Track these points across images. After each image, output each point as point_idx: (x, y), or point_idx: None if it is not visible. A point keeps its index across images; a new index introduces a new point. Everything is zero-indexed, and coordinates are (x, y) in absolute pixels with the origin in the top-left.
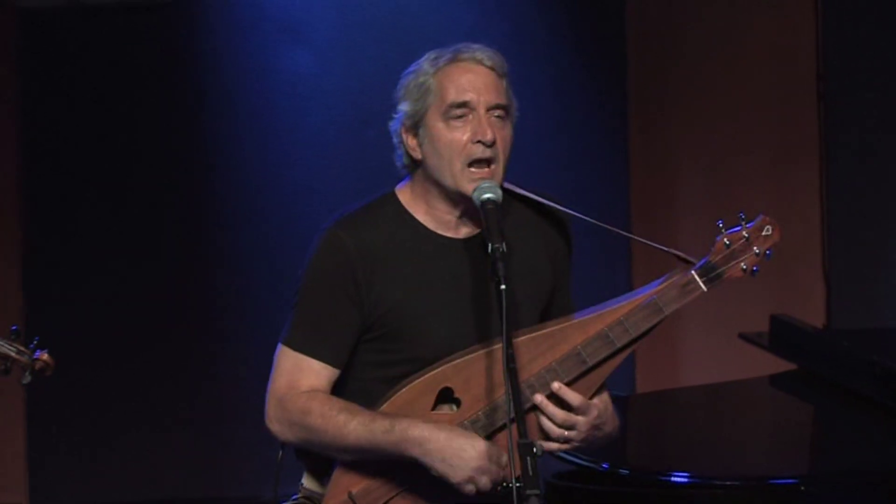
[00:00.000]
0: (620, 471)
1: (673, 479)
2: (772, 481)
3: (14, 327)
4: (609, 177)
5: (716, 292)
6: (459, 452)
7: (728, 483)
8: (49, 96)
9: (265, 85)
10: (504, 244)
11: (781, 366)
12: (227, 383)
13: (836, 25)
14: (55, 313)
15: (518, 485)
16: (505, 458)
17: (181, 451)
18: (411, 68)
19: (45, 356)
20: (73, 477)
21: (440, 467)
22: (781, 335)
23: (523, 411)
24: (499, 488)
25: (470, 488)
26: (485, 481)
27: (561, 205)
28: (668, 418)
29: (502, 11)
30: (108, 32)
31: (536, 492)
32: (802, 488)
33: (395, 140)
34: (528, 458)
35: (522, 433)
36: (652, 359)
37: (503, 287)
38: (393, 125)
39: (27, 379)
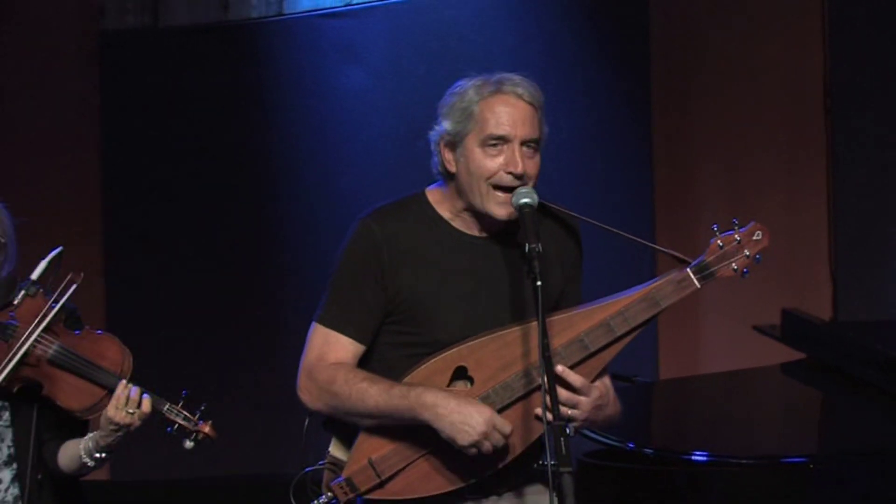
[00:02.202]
0: (645, 450)
1: (693, 457)
2: (783, 460)
3: (184, 392)
4: (634, 179)
5: (732, 289)
6: (467, 419)
7: (743, 461)
8: (128, 109)
9: (322, 100)
10: (539, 244)
11: (792, 355)
12: (284, 369)
13: (841, 46)
14: (132, 304)
15: (552, 463)
16: (509, 428)
17: (244, 430)
18: (457, 88)
19: (208, 428)
20: (147, 453)
21: (448, 431)
22: (792, 327)
23: (556, 395)
24: (535, 465)
25: (473, 451)
26: (487, 446)
27: (582, 215)
28: (689, 402)
29: (538, 32)
30: (181, 52)
31: (569, 469)
32: (811, 466)
33: (433, 148)
34: (562, 439)
35: (556, 416)
36: (674, 348)
37: (539, 284)
38: (433, 135)
39: (189, 445)
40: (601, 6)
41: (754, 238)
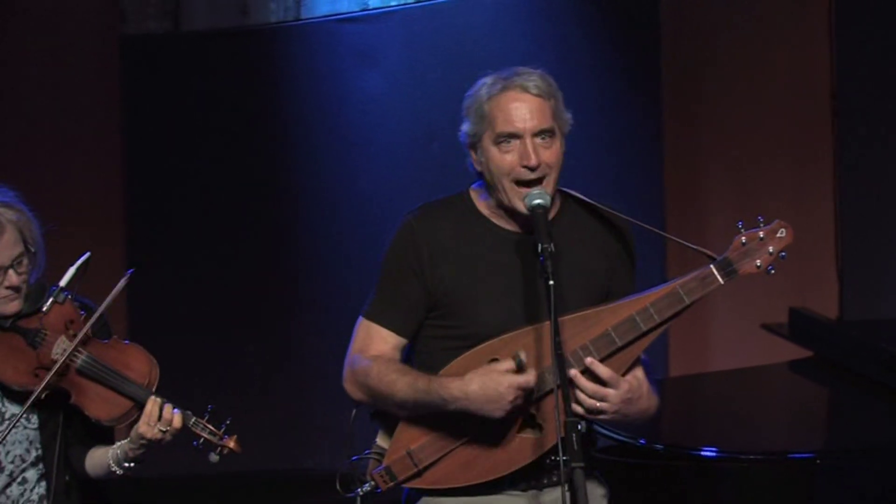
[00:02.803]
0: (656, 446)
1: (703, 453)
2: (791, 455)
3: (210, 407)
4: (645, 180)
5: (741, 288)
6: (493, 396)
7: (752, 457)
8: (150, 112)
9: (339, 103)
10: (552, 244)
11: (799, 353)
12: (306, 364)
13: (847, 50)
14: (154, 300)
15: (564, 458)
16: (533, 378)
17: (264, 426)
18: (473, 90)
19: (233, 443)
20: (177, 449)
21: (482, 413)
22: (799, 326)
23: (569, 392)
24: (547, 461)
25: (511, 415)
26: (519, 405)
27: (620, 212)
28: (699, 399)
29: (552, 37)
30: (202, 56)
31: (581, 464)
32: (818, 462)
33: (464, 149)
34: (574, 434)
35: (569, 412)
36: (684, 346)
37: (551, 283)
38: (460, 136)
39: (214, 459)
40: (613, 12)
41: (778, 235)
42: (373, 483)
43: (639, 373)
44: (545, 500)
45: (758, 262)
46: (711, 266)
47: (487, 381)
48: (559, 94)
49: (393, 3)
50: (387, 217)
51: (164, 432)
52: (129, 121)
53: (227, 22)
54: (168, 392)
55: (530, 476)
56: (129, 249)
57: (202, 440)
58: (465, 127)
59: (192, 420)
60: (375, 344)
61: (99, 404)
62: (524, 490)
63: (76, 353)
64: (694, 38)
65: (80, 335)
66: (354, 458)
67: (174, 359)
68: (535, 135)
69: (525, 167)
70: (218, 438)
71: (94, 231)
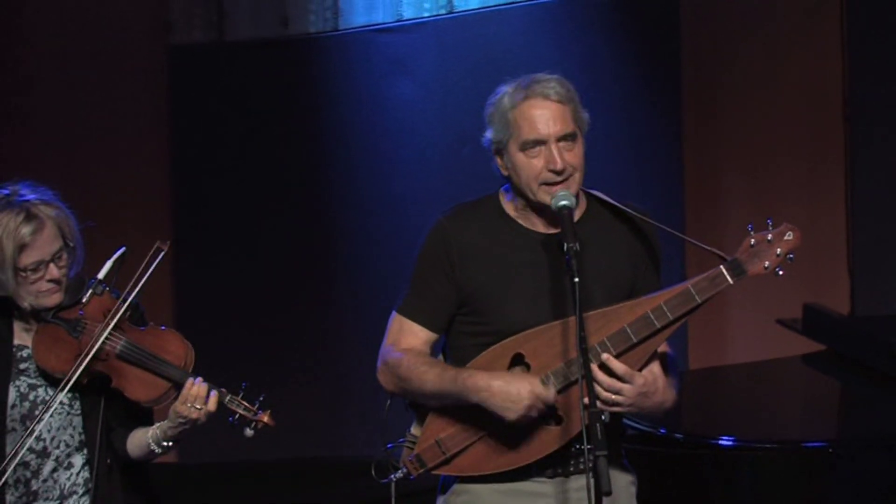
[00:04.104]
0: (676, 435)
1: (720, 442)
2: (804, 445)
3: (245, 384)
4: (666, 183)
5: (757, 285)
6: (512, 397)
7: (767, 446)
8: (195, 117)
9: (374, 110)
10: (577, 244)
11: (813, 347)
12: (344, 356)
13: (859, 57)
14: (199, 297)
15: (588, 447)
16: (552, 396)
17: (305, 414)
18: (494, 97)
19: (267, 417)
20: (216, 438)
21: (498, 410)
22: (813, 321)
23: (594, 384)
24: (573, 449)
25: (523, 422)
26: (534, 414)
27: (644, 214)
28: (716, 391)
29: (577, 46)
30: (245, 65)
31: (604, 453)
32: (830, 451)
33: (488, 153)
34: (598, 424)
35: (593, 402)
36: (702, 340)
37: (576, 280)
38: (484, 142)
39: (249, 434)
40: (636, 22)
41: (785, 238)
42: (405, 470)
43: (655, 368)
44: (571, 486)
45: (766, 264)
46: (721, 267)
47: (512, 380)
48: (577, 95)
49: (426, 15)
50: (419, 217)
51: (199, 410)
52: (175, 126)
53: (269, 33)
54: (210, 379)
55: (556, 463)
56: (175, 249)
57: (237, 416)
58: (490, 134)
59: (228, 397)
60: (407, 338)
61: (138, 386)
62: (551, 477)
63: (115, 339)
64: (712, 47)
65: (115, 317)
66: (389, 445)
67: (217, 348)
68: (559, 140)
69: (552, 171)
70: (252, 413)
71: (143, 230)
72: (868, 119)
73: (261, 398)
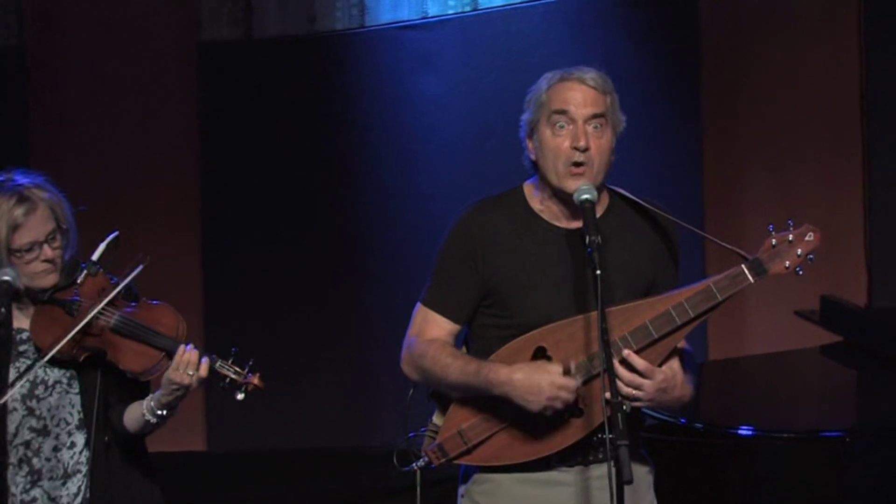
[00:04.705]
0: (696, 425)
1: (739, 432)
2: (822, 434)
3: (234, 349)
4: (686, 180)
5: (775, 278)
6: (534, 389)
7: (785, 435)
8: (225, 113)
9: (400, 106)
10: (600, 237)
11: (830, 338)
12: (371, 348)
13: (876, 55)
14: (228, 291)
15: (610, 436)
16: (573, 385)
17: (332, 404)
18: (534, 85)
19: (257, 380)
20: (244, 426)
21: (521, 402)
22: (830, 312)
23: (615, 376)
24: (594, 438)
25: (547, 413)
26: (558, 405)
27: (666, 212)
28: (736, 381)
29: (598, 43)
30: (272, 61)
31: (626, 442)
32: (847, 440)
33: (522, 141)
34: (619, 415)
35: (614, 393)
36: (722, 332)
37: (598, 273)
38: (521, 132)
39: (240, 397)
40: (656, 20)
41: (806, 238)
42: (427, 459)
43: (674, 364)
44: (591, 475)
45: (787, 264)
46: (743, 266)
47: (533, 373)
48: (615, 94)
49: (450, 12)
50: (444, 211)
51: (191, 376)
52: (205, 121)
53: (296, 29)
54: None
55: (576, 453)
56: (205, 240)
57: (228, 380)
58: (525, 116)
59: (218, 363)
60: (431, 329)
61: (132, 357)
62: (571, 466)
63: (109, 314)
64: (732, 44)
65: (109, 295)
66: (411, 434)
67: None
68: (588, 121)
69: (575, 148)
70: (242, 377)
71: (173, 222)
72: (886, 114)
73: (250, 362)
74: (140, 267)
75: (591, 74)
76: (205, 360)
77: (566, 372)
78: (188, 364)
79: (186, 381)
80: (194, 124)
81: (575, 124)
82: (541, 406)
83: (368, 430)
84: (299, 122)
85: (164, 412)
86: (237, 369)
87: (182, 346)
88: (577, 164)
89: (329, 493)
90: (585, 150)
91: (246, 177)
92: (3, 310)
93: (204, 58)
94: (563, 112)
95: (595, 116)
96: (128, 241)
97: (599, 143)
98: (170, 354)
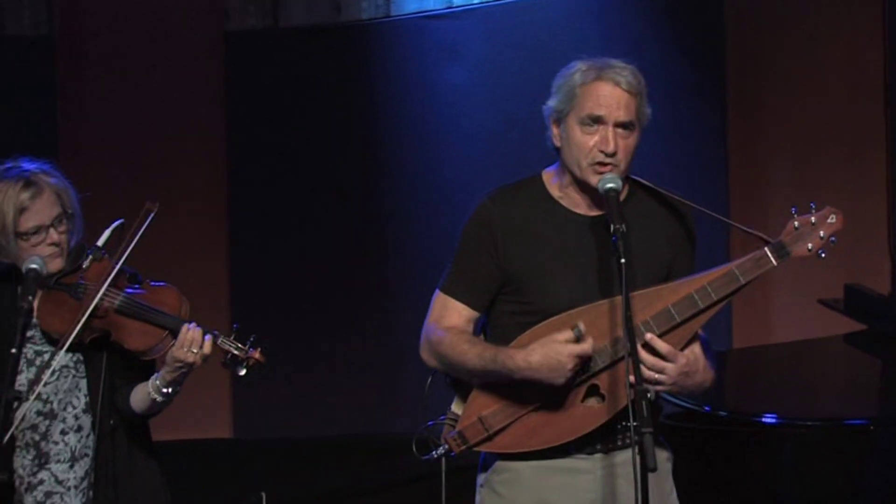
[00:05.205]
0: (720, 413)
1: (764, 419)
2: (846, 422)
3: (235, 325)
4: (712, 168)
5: (799, 266)
6: (555, 365)
7: (810, 423)
8: (251, 101)
9: (425, 94)
10: (624, 225)
11: (854, 327)
12: (395, 337)
13: None
14: (254, 277)
15: (635, 424)
16: (590, 347)
17: (359, 390)
18: (566, 70)
19: (258, 355)
20: (271, 414)
21: (546, 381)
22: (854, 301)
23: (640, 363)
24: (619, 426)
25: (572, 381)
26: (579, 372)
27: (683, 199)
28: (760, 369)
29: (622, 33)
30: (299, 51)
31: (650, 430)
32: (872, 428)
33: (546, 122)
34: (644, 402)
35: (639, 380)
36: (746, 320)
37: (623, 261)
38: (545, 110)
39: (242, 372)
40: (681, 10)
41: (828, 221)
42: (447, 447)
43: (696, 348)
44: (611, 462)
45: (809, 246)
46: (766, 248)
47: (548, 350)
48: (645, 90)
49: (475, 1)
50: (468, 199)
51: (196, 354)
52: (232, 110)
53: (322, 19)
54: (274, 362)
55: (596, 440)
56: (231, 228)
57: (230, 355)
58: (553, 102)
59: (220, 339)
60: (450, 316)
61: (136, 336)
62: (591, 454)
63: (113, 296)
64: (756, 35)
65: (112, 274)
66: (430, 423)
67: (272, 326)
68: (617, 125)
69: (602, 152)
70: (244, 352)
71: (200, 210)
72: None
73: (251, 338)
74: (151, 215)
75: (626, 75)
76: (208, 338)
77: (577, 338)
78: (192, 342)
79: (191, 358)
80: (221, 113)
81: (605, 126)
82: (565, 378)
83: (395, 417)
84: (325, 111)
85: (170, 389)
86: (239, 345)
87: (186, 325)
88: (602, 164)
89: (355, 480)
90: (612, 154)
91: (272, 166)
92: (30, 298)
93: (230, 47)
94: (596, 118)
95: (624, 124)
96: (154, 229)
97: (626, 144)
98: (173, 333)
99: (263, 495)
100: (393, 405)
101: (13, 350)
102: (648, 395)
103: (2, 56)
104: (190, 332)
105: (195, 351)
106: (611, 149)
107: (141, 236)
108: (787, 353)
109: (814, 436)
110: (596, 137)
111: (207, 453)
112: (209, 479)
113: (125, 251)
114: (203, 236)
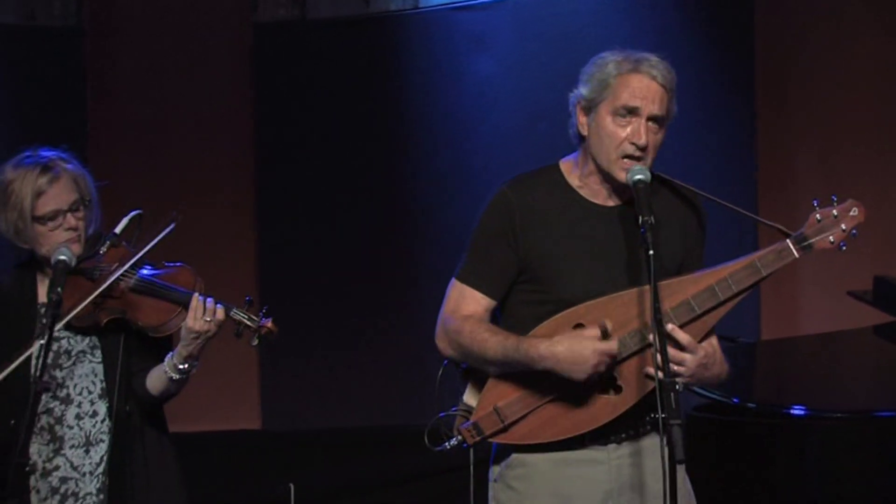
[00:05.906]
0: (748, 405)
1: (792, 411)
2: (875, 414)
3: (248, 298)
4: (739, 162)
5: (828, 258)
6: (579, 359)
7: (838, 415)
8: (279, 94)
9: (454, 86)
10: (652, 217)
11: (883, 318)
12: (419, 329)
13: None
14: (282, 269)
15: (663, 416)
16: (615, 348)
17: (388, 381)
18: (599, 59)
19: (270, 324)
20: (299, 405)
21: (567, 374)
22: (883, 292)
23: (668, 356)
24: (647, 418)
25: (593, 378)
26: (601, 369)
27: (702, 192)
28: (789, 361)
29: (650, 24)
30: (327, 43)
31: (678, 422)
32: None
33: (570, 110)
34: (671, 394)
35: (667, 373)
36: (775, 312)
37: (651, 253)
38: (571, 98)
39: (255, 342)
40: (710, 3)
41: (851, 214)
42: (460, 438)
43: (714, 340)
44: (626, 452)
45: (831, 238)
46: (787, 241)
47: (574, 344)
48: (676, 87)
49: None
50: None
51: (209, 322)
52: (259, 102)
53: (350, 10)
54: (301, 353)
55: (611, 431)
56: (259, 219)
57: (242, 326)
58: (583, 90)
59: (232, 310)
60: (467, 304)
61: (149, 313)
62: (605, 444)
63: (129, 276)
64: (785, 28)
65: (130, 260)
66: (442, 414)
67: (300, 317)
68: (650, 119)
69: (633, 144)
70: (256, 323)
71: (228, 201)
72: None
73: (263, 310)
74: (172, 226)
75: (660, 70)
76: (220, 306)
77: (604, 334)
78: (204, 310)
79: (204, 327)
80: (248, 105)
81: (638, 119)
82: (587, 374)
83: (424, 408)
84: (353, 102)
85: (186, 365)
86: (251, 315)
87: (195, 295)
88: (631, 157)
89: (383, 471)
90: (644, 147)
91: (300, 157)
92: (59, 289)
93: (258, 39)
94: (631, 109)
95: (657, 118)
96: (182, 220)
97: (655, 139)
98: (187, 307)
99: (292, 486)
100: (422, 396)
101: (41, 341)
102: (677, 387)
103: (32, 47)
104: (201, 301)
105: (208, 319)
106: (643, 142)
107: (160, 241)
108: (815, 344)
109: (842, 428)
110: (628, 129)
111: (236, 444)
112: (237, 470)
113: (142, 252)
114: (231, 228)
